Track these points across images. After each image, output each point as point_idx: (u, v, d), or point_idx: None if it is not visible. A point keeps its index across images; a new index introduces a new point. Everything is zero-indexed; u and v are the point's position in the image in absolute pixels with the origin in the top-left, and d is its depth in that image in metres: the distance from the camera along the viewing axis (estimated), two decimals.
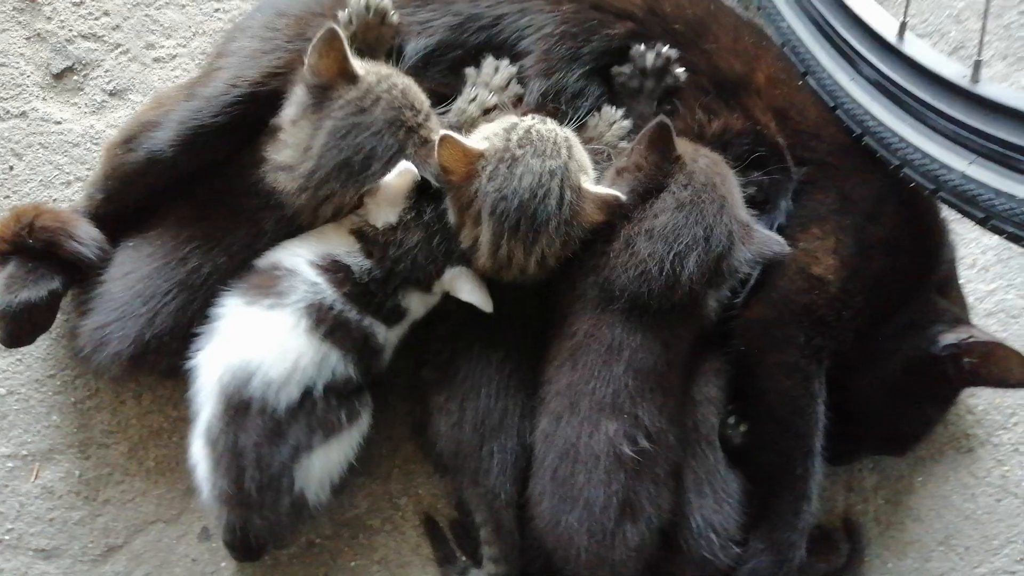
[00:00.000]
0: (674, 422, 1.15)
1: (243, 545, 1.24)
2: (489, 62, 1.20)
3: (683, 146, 1.13)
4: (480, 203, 1.10)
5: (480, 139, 1.13)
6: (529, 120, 1.11)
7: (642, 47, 1.20)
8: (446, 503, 1.33)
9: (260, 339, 1.11)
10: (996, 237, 1.38)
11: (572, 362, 1.15)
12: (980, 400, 1.41)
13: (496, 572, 1.24)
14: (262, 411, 1.09)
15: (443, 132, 1.08)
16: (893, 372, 1.19)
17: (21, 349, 1.31)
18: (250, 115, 1.14)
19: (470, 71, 1.20)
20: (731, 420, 1.22)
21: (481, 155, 1.10)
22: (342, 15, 1.18)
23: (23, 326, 1.16)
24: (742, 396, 1.23)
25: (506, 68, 1.19)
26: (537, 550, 1.24)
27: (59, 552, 1.29)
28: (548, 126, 1.11)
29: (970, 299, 1.41)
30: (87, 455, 1.31)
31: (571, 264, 1.15)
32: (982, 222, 1.00)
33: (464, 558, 1.30)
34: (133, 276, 1.20)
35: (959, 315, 1.23)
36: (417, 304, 1.21)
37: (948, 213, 1.30)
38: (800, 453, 1.17)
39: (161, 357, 1.20)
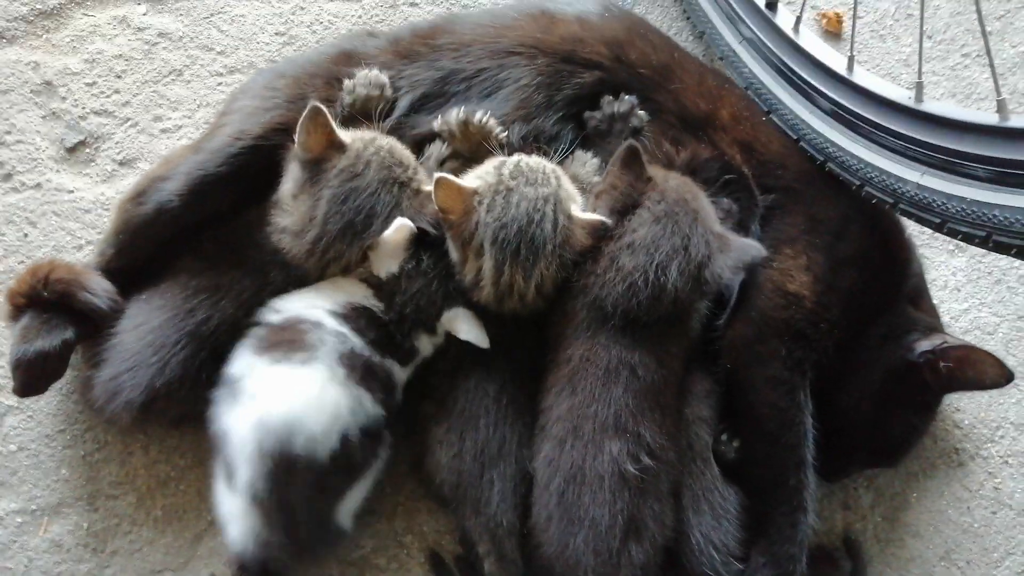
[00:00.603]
0: (673, 438, 1.19)
1: None
2: (453, 111, 1.29)
3: (654, 170, 1.22)
4: (481, 235, 1.17)
5: (473, 178, 1.21)
6: (516, 156, 1.20)
7: (610, 97, 1.31)
8: (450, 539, 1.35)
9: (298, 396, 1.13)
10: (963, 259, 1.48)
11: (571, 387, 1.19)
12: (966, 415, 1.45)
13: None
14: (308, 466, 1.11)
15: (437, 175, 1.16)
16: (874, 382, 1.24)
17: (32, 406, 1.36)
18: (252, 167, 1.22)
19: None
20: (723, 437, 1.26)
21: (475, 192, 1.18)
22: (348, 85, 1.28)
23: (37, 375, 1.21)
24: (732, 415, 1.28)
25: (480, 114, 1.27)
26: None
27: None
28: (535, 159, 1.20)
29: (945, 318, 1.47)
30: (95, 507, 1.33)
31: (562, 292, 1.22)
32: (939, 227, 1.07)
33: None
34: (144, 327, 1.25)
35: (933, 324, 1.28)
36: (425, 344, 1.27)
37: (913, 230, 1.39)
38: (792, 464, 1.20)
39: (171, 404, 1.24)
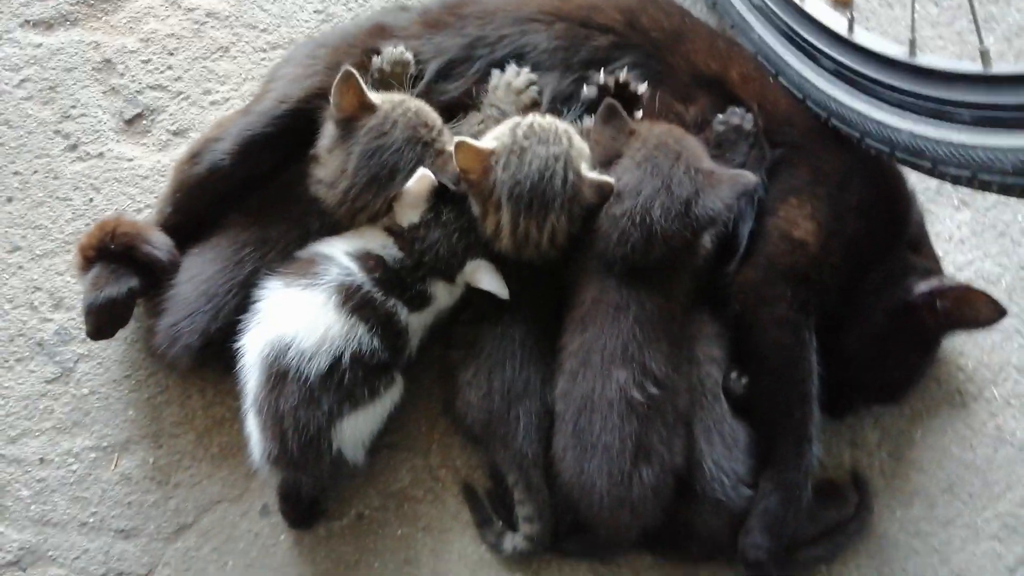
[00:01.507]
0: (679, 370, 1.28)
1: (297, 510, 1.39)
2: (512, 68, 1.39)
3: (639, 123, 1.29)
4: (498, 191, 1.27)
5: (490, 140, 1.31)
6: (530, 117, 1.29)
7: (603, 71, 1.38)
8: (481, 474, 1.46)
9: (296, 315, 1.26)
10: (968, 214, 1.55)
11: (583, 326, 1.28)
12: (969, 359, 1.53)
13: (531, 532, 1.36)
14: (297, 379, 1.23)
15: (457, 139, 1.26)
16: (876, 323, 1.32)
17: (100, 354, 1.50)
18: (295, 128, 1.34)
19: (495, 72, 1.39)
20: (733, 375, 1.35)
21: (492, 152, 1.28)
22: (376, 61, 1.39)
23: (106, 319, 1.34)
24: (742, 356, 1.37)
25: (526, 73, 1.38)
26: (566, 507, 1.36)
27: (136, 532, 1.43)
28: (548, 120, 1.29)
29: (950, 270, 1.54)
30: (159, 444, 1.47)
31: (575, 245, 1.32)
32: (930, 171, 1.15)
33: (501, 523, 1.42)
34: (198, 278, 1.38)
35: (931, 268, 1.36)
36: (442, 292, 1.36)
37: (918, 186, 1.47)
38: (797, 398, 1.29)
39: (225, 349, 1.36)
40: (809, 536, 1.41)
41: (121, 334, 1.48)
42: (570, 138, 1.28)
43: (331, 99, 1.29)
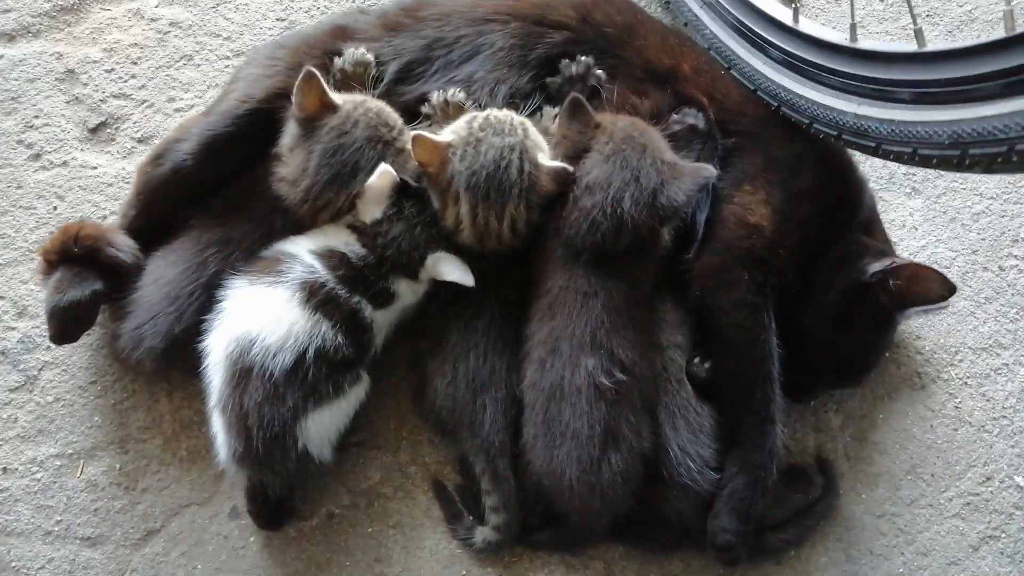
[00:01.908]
0: (644, 356, 1.30)
1: (266, 511, 1.39)
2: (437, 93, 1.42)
3: (603, 116, 1.33)
4: (456, 183, 1.29)
5: (448, 133, 1.33)
6: (487, 111, 1.32)
7: (567, 61, 1.42)
8: (451, 469, 1.46)
9: (260, 311, 1.27)
10: (920, 201, 1.59)
11: (551, 313, 1.30)
12: (926, 341, 1.56)
13: (498, 522, 1.36)
14: (261, 375, 1.24)
15: (414, 132, 1.28)
16: (833, 304, 1.35)
17: (65, 360, 1.49)
18: (257, 128, 1.35)
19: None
20: (696, 360, 1.37)
21: (449, 145, 1.30)
22: (338, 61, 1.41)
23: (69, 322, 1.34)
24: (704, 342, 1.39)
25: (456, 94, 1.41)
26: (536, 498, 1.37)
27: (103, 539, 1.41)
28: (504, 112, 1.32)
29: (904, 255, 1.58)
30: (126, 450, 1.46)
31: (539, 234, 1.34)
32: (874, 151, 1.19)
33: (471, 518, 1.42)
34: (161, 281, 1.38)
35: (884, 249, 1.40)
36: (406, 290, 1.37)
37: (871, 175, 1.51)
38: (759, 379, 1.31)
39: (189, 351, 1.35)
40: (777, 520, 1.42)
41: (86, 340, 1.49)
42: (526, 129, 1.31)
43: (293, 98, 1.31)
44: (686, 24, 1.62)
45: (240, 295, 1.30)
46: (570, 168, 1.29)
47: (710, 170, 1.27)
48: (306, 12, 1.74)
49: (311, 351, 1.26)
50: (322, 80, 1.30)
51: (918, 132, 1.08)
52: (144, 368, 1.39)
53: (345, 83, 1.41)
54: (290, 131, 1.35)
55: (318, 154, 1.30)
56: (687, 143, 1.37)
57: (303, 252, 1.33)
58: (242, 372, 1.25)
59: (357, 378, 1.34)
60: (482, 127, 1.30)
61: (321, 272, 1.30)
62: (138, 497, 1.44)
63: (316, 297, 1.29)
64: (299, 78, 1.28)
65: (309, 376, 1.26)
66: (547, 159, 1.32)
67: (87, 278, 1.35)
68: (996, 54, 0.95)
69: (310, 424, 1.28)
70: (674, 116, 1.40)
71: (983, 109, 0.97)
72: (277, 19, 1.73)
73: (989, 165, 0.98)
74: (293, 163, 1.33)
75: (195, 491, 1.44)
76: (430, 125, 1.42)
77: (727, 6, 1.48)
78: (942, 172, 1.63)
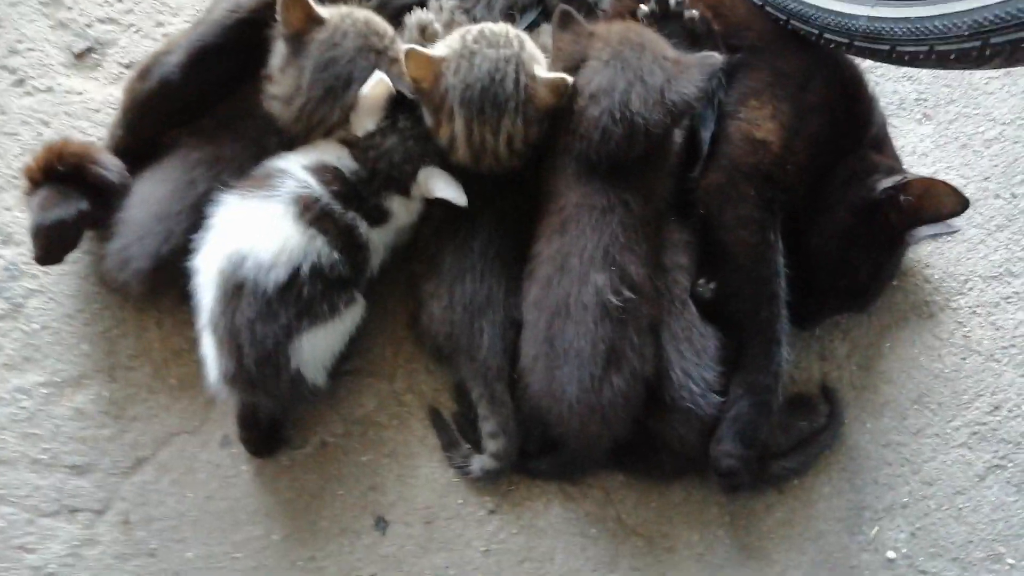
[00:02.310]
0: (653, 274, 1.27)
1: (257, 437, 1.35)
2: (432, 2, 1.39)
3: (596, 26, 1.28)
4: (450, 98, 1.24)
5: (441, 47, 1.28)
6: (481, 24, 1.27)
7: None
8: (447, 397, 1.43)
9: (252, 226, 1.23)
10: (930, 127, 1.55)
11: (562, 230, 1.25)
12: (935, 270, 1.53)
13: (496, 449, 1.33)
14: (254, 291, 1.19)
15: (407, 47, 1.24)
16: (841, 221, 1.31)
17: (52, 288, 1.45)
18: (247, 40, 1.30)
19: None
20: (701, 281, 1.33)
21: (443, 59, 1.25)
22: None
23: (55, 242, 1.29)
24: (709, 262, 1.35)
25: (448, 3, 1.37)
26: (534, 423, 1.33)
27: (91, 467, 1.38)
28: (499, 25, 1.27)
29: None
30: (114, 378, 1.42)
31: (547, 152, 1.30)
32: (888, 55, 1.14)
33: (468, 446, 1.39)
34: (149, 200, 1.33)
35: (894, 166, 1.36)
36: (399, 208, 1.33)
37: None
38: (765, 297, 1.28)
39: (176, 271, 1.31)
40: (781, 449, 1.39)
41: (73, 268, 1.45)
42: (521, 42, 1.26)
43: (278, 16, 1.26)
44: None
45: (231, 210, 1.26)
46: (569, 78, 1.24)
47: (716, 57, 1.21)
48: None
49: (306, 267, 1.22)
50: None
51: (935, 27, 1.03)
52: (131, 290, 1.35)
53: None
54: (279, 51, 1.30)
55: (309, 70, 1.26)
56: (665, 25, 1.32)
57: (295, 168, 1.28)
58: (233, 288, 1.21)
59: (352, 299, 1.30)
60: (476, 40, 1.25)
61: (315, 187, 1.26)
62: (127, 425, 1.40)
63: (311, 212, 1.24)
64: None
65: (303, 293, 1.22)
66: (544, 71, 1.27)
67: (73, 197, 1.30)
68: None
69: (304, 344, 1.24)
70: (642, 8, 1.34)
71: None
72: None
73: (1012, 53, 0.94)
74: (285, 82, 1.28)
75: (185, 419, 1.41)
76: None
77: None
78: (956, 93, 1.59)
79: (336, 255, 1.25)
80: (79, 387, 1.42)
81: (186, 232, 1.30)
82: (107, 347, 1.44)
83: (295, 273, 1.22)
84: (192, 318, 1.37)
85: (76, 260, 1.44)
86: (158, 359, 1.43)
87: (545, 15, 1.39)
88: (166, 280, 1.34)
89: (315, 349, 1.26)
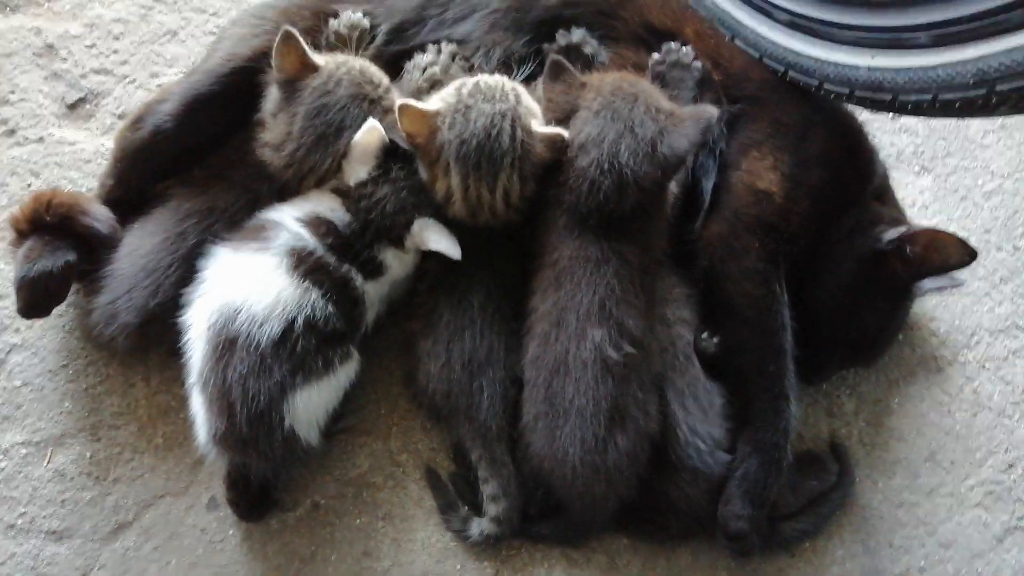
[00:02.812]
0: (653, 330, 1.23)
1: (246, 499, 1.29)
2: (431, 47, 1.37)
3: (589, 76, 1.26)
4: (445, 153, 1.22)
5: (436, 100, 1.26)
6: (477, 77, 1.25)
7: (563, 31, 1.36)
8: (444, 456, 1.38)
9: (246, 279, 1.19)
10: (929, 179, 1.54)
11: (557, 285, 1.22)
12: (942, 323, 1.50)
13: (498, 511, 1.28)
14: (247, 346, 1.15)
15: (400, 101, 1.21)
16: (846, 273, 1.29)
17: (35, 343, 1.40)
18: (241, 89, 1.29)
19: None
20: (704, 335, 1.30)
21: (438, 113, 1.22)
22: (333, 23, 1.36)
23: (40, 295, 1.25)
24: (712, 317, 1.32)
25: (448, 47, 1.35)
26: (536, 485, 1.28)
27: (70, 532, 1.31)
28: (495, 78, 1.25)
29: None
30: (98, 437, 1.37)
31: (539, 204, 1.27)
32: (890, 104, 1.13)
33: (466, 508, 1.33)
34: (138, 252, 1.30)
35: (898, 217, 1.34)
36: (393, 260, 1.30)
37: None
38: (771, 352, 1.25)
39: (165, 326, 1.27)
40: (791, 509, 1.34)
41: (58, 321, 1.41)
42: (518, 95, 1.24)
43: (273, 61, 1.25)
44: None
45: (223, 263, 1.23)
46: (565, 133, 1.22)
47: (712, 110, 1.19)
48: None
49: (300, 321, 1.18)
50: (301, 40, 1.24)
51: (939, 76, 1.02)
52: (117, 346, 1.31)
53: (339, 46, 1.35)
54: (272, 96, 1.29)
55: (302, 116, 1.24)
56: (677, 83, 1.30)
57: (288, 220, 1.25)
58: (226, 343, 1.16)
59: (348, 355, 1.26)
60: (472, 93, 1.23)
61: (309, 239, 1.23)
62: (109, 487, 1.34)
63: (304, 264, 1.21)
64: (277, 40, 1.23)
65: (298, 348, 1.18)
66: (541, 126, 1.25)
67: (60, 248, 1.27)
68: None
69: (298, 401, 1.19)
70: (655, 57, 1.33)
71: (1011, 40, 0.92)
72: None
73: (1018, 101, 0.93)
74: (277, 128, 1.27)
75: (171, 481, 1.35)
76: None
77: None
78: (953, 146, 1.59)
79: (331, 308, 1.22)
80: (60, 447, 1.36)
81: (176, 286, 1.27)
82: (91, 404, 1.38)
83: (289, 327, 1.18)
84: (181, 375, 1.33)
85: (62, 313, 1.40)
86: (144, 417, 1.38)
87: (543, 65, 1.37)
88: (154, 335, 1.30)
89: (309, 406, 1.22)
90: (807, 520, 1.34)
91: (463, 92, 1.24)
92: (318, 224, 1.25)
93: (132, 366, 1.40)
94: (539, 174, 1.24)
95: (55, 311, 1.32)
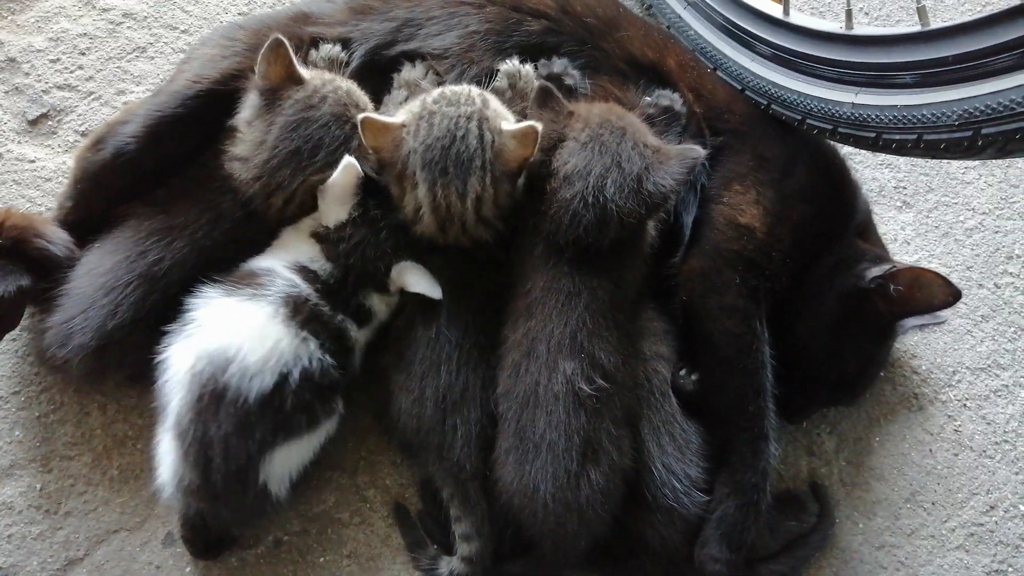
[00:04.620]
0: (627, 364, 1.19)
1: (202, 538, 1.23)
2: (407, 65, 1.34)
3: (576, 105, 1.23)
4: (412, 163, 1.16)
5: (401, 113, 1.21)
6: (442, 87, 1.22)
7: (544, 60, 1.32)
8: (413, 492, 1.33)
9: (239, 326, 1.14)
10: (911, 215, 1.52)
11: (528, 314, 1.18)
12: (923, 361, 1.48)
13: (470, 552, 1.23)
14: (235, 401, 1.10)
15: (361, 116, 1.17)
16: (828, 311, 1.26)
17: None
18: (208, 112, 1.24)
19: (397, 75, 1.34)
20: (682, 372, 1.26)
21: (402, 124, 1.18)
22: (313, 55, 1.32)
23: None
24: (690, 354, 1.29)
25: (422, 64, 1.32)
26: (506, 523, 1.23)
27: (16, 569, 1.25)
28: (460, 86, 1.21)
29: None
30: (49, 468, 1.30)
31: (517, 233, 1.23)
32: (874, 142, 1.11)
33: (435, 547, 1.28)
34: (96, 271, 1.24)
35: (881, 254, 1.32)
36: (379, 304, 1.27)
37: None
38: (751, 391, 1.21)
39: (124, 350, 1.22)
40: (769, 551, 1.31)
41: (10, 346, 1.35)
42: (484, 100, 1.19)
43: (257, 67, 1.21)
44: (669, 27, 1.55)
45: (213, 306, 1.17)
46: (538, 126, 1.16)
47: (698, 151, 1.16)
48: (270, 7, 1.64)
49: (296, 373, 1.14)
50: (290, 50, 1.20)
51: (923, 116, 1.00)
52: (72, 370, 1.23)
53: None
54: (250, 102, 1.24)
55: (279, 127, 1.20)
56: (664, 127, 1.27)
57: (279, 266, 1.21)
58: (212, 395, 1.10)
59: (333, 410, 1.22)
60: (436, 100, 1.19)
61: (303, 287, 1.19)
62: (60, 521, 1.28)
63: (301, 313, 1.17)
64: (266, 45, 1.18)
65: (287, 404, 1.13)
66: (512, 125, 1.19)
67: (12, 272, 1.21)
68: (1012, 23, 0.88)
69: (276, 459, 1.14)
70: (646, 99, 1.31)
71: (997, 83, 0.90)
72: (239, 13, 1.63)
73: (1004, 145, 0.91)
74: (250, 137, 1.22)
75: (125, 515, 1.29)
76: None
77: (713, 5, 1.42)
78: (935, 182, 1.57)
79: (329, 359, 1.18)
80: (9, 478, 1.30)
81: (135, 307, 1.21)
82: (43, 433, 1.32)
83: (282, 380, 1.13)
84: (140, 403, 1.29)
85: (15, 338, 1.35)
86: (99, 447, 1.32)
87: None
88: (112, 360, 1.24)
89: (286, 464, 1.17)
90: (786, 562, 1.30)
91: (427, 100, 1.20)
92: (305, 272, 1.21)
93: (87, 393, 1.34)
94: (513, 177, 1.19)
95: (7, 336, 1.26)
